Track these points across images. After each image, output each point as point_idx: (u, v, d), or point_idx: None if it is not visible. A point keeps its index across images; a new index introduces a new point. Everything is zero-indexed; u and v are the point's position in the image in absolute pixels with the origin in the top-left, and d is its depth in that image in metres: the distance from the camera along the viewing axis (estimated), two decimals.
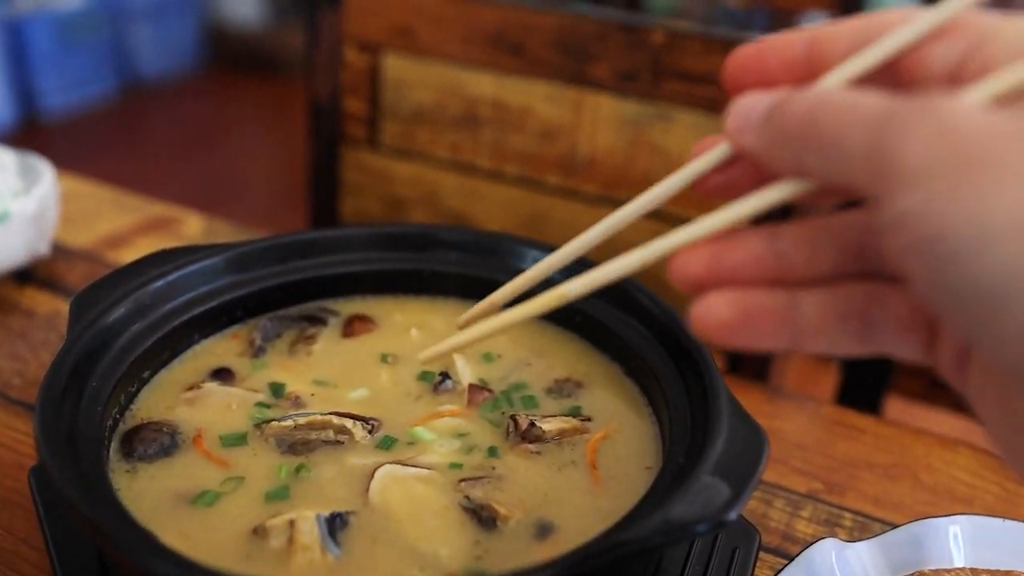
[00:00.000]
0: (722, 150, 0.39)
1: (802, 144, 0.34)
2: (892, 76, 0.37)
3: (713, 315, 0.37)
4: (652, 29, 1.12)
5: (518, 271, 0.75)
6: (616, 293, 0.71)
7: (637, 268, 0.41)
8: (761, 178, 0.37)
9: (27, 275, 0.99)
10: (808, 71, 0.38)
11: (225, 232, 1.10)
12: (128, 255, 1.04)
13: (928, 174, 0.29)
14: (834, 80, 0.37)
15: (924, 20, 0.36)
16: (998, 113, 0.30)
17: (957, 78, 0.35)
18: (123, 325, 0.66)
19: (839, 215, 0.38)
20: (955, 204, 0.29)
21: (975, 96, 0.32)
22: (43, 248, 0.97)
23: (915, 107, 0.31)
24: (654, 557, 0.59)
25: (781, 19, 3.04)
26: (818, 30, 0.38)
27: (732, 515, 0.47)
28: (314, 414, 0.64)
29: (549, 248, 0.75)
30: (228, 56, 4.36)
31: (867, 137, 0.31)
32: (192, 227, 1.11)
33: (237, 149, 3.72)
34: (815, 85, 0.36)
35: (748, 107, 0.36)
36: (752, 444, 0.54)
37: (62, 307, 0.94)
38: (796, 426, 0.84)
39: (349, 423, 0.63)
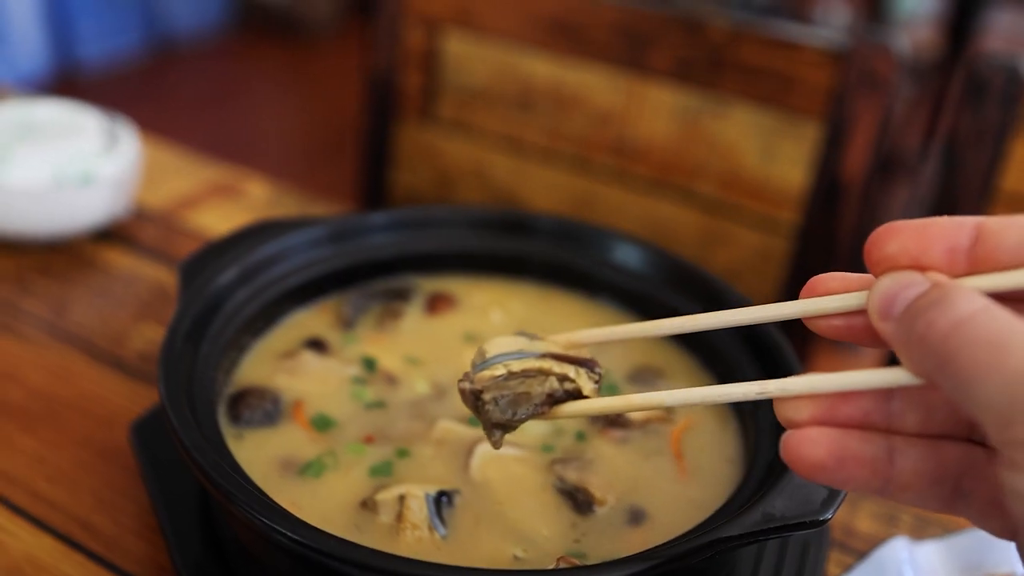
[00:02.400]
0: (848, 301, 0.39)
1: (938, 363, 0.33)
2: None
3: (807, 452, 0.37)
4: (713, 26, 1.14)
5: (597, 259, 0.78)
6: (696, 285, 0.73)
7: (739, 399, 0.42)
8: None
9: (107, 234, 1.02)
10: (970, 262, 0.36)
11: (290, 197, 1.13)
12: (199, 217, 1.06)
13: None
14: (984, 285, 0.35)
15: None
16: None
17: None
18: (228, 292, 0.69)
19: None
20: None
21: None
22: (123, 209, 1.00)
23: None
24: (751, 552, 0.62)
25: (799, 11, 3.04)
26: (988, 221, 0.36)
27: (829, 515, 0.50)
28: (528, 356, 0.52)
29: (630, 239, 0.77)
30: (256, 18, 4.36)
31: (1008, 394, 0.31)
32: (257, 191, 1.13)
33: (261, 109, 3.73)
34: (966, 295, 0.34)
35: (895, 292, 0.36)
36: None
37: (139, 266, 0.97)
38: None
39: (571, 370, 0.51)
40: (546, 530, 0.57)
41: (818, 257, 1.13)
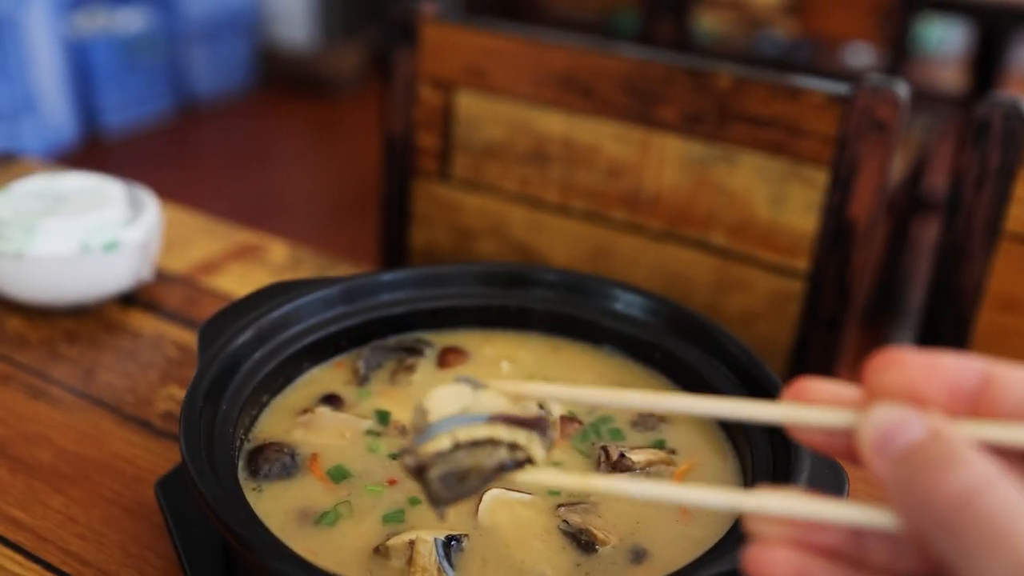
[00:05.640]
0: (834, 418, 0.38)
1: (941, 527, 0.32)
2: None
3: (768, 571, 0.36)
4: (719, 74, 1.17)
5: (600, 309, 0.81)
6: (696, 332, 0.76)
7: (714, 506, 0.41)
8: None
9: (131, 299, 1.05)
10: (971, 405, 0.36)
11: (309, 259, 1.16)
12: (221, 280, 1.10)
13: None
14: (982, 434, 0.34)
15: None
16: None
17: None
18: (246, 353, 0.72)
19: None
20: None
21: None
22: (147, 274, 1.04)
23: None
24: None
25: (825, 50, 3.09)
26: (997, 369, 0.36)
27: None
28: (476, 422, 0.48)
29: (632, 289, 0.80)
30: (279, 77, 4.46)
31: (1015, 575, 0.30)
32: (277, 254, 1.17)
33: (286, 168, 3.81)
34: (975, 460, 0.33)
35: (893, 430, 0.35)
36: (833, 478, 0.59)
37: (165, 329, 1.01)
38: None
39: (523, 436, 0.47)
40: (551, 571, 0.59)
41: (831, 299, 1.14)
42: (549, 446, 0.47)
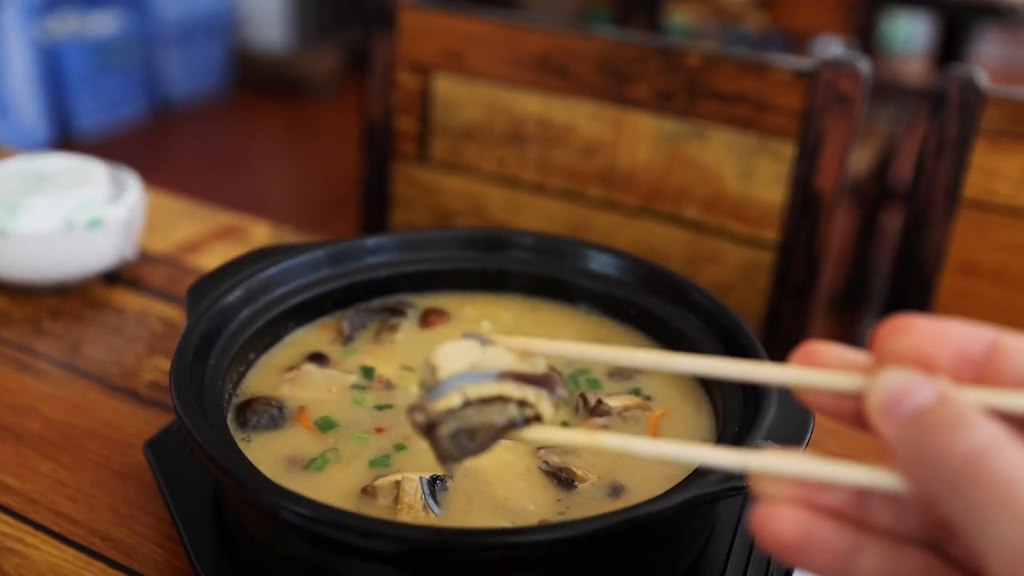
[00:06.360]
0: (842, 381, 0.38)
1: (950, 487, 0.33)
2: None
3: (776, 530, 0.37)
4: (688, 53, 1.20)
5: (576, 269, 0.83)
6: (668, 287, 0.78)
7: (716, 465, 0.40)
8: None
9: (115, 277, 1.07)
10: (977, 372, 0.36)
11: (291, 237, 1.18)
12: (204, 259, 1.12)
13: None
14: (987, 400, 0.35)
15: None
16: None
17: None
18: (233, 312, 0.74)
19: None
20: None
21: None
22: (131, 252, 1.06)
23: None
24: (712, 512, 0.66)
25: (795, 44, 3.13)
26: (1005, 338, 0.36)
27: None
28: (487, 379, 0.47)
29: (606, 249, 0.83)
30: (254, 80, 4.46)
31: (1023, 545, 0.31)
32: (259, 233, 1.19)
33: (262, 170, 3.82)
34: (984, 422, 0.33)
35: (902, 393, 0.35)
36: (799, 415, 0.62)
37: (149, 305, 1.02)
38: None
39: (531, 393, 0.47)
40: (532, 505, 0.62)
41: (800, 268, 1.17)
42: (557, 403, 0.47)
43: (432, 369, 0.47)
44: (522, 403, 0.46)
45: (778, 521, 0.37)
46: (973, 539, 0.32)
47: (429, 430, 0.47)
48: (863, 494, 0.37)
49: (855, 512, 0.37)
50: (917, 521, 0.37)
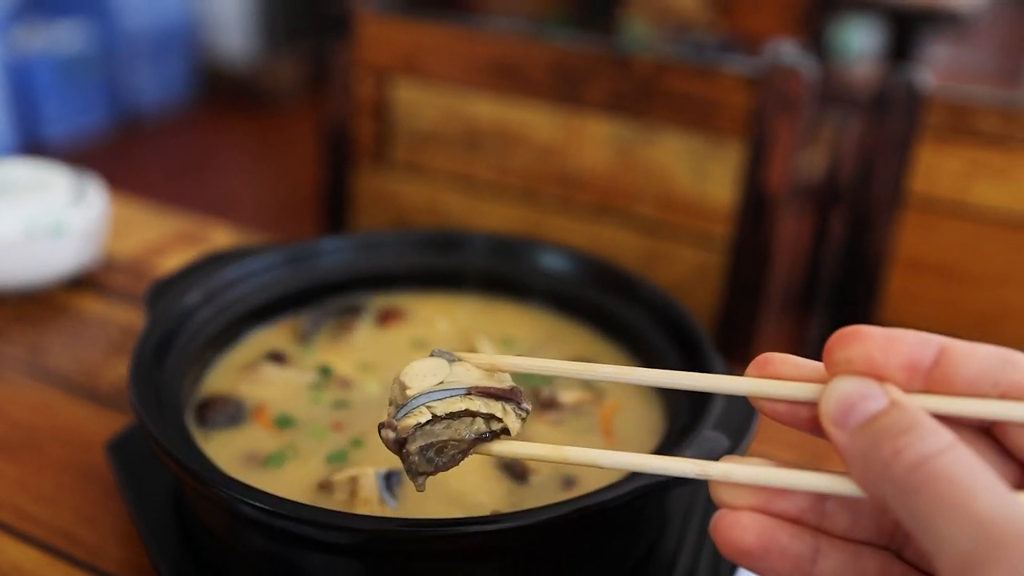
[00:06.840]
0: (797, 390, 0.39)
1: (900, 493, 0.33)
2: (1000, 435, 0.37)
3: (736, 536, 0.38)
4: (640, 57, 1.23)
5: (530, 268, 0.85)
6: (617, 283, 0.81)
7: (678, 474, 0.41)
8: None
9: (77, 282, 1.08)
10: (927, 379, 0.37)
11: (252, 241, 1.19)
12: (167, 264, 1.13)
13: None
14: (934, 406, 0.36)
15: None
16: None
17: None
18: (192, 313, 0.75)
19: None
20: None
21: None
22: (92, 258, 1.06)
23: None
24: (664, 502, 0.68)
25: (750, 49, 3.18)
26: (954, 345, 0.37)
27: None
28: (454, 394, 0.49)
29: (557, 248, 0.85)
30: (220, 90, 4.46)
31: (972, 537, 0.31)
32: (221, 237, 1.20)
33: (228, 180, 3.82)
34: (935, 428, 0.34)
35: (852, 401, 0.36)
36: (746, 406, 0.64)
37: (110, 310, 1.03)
38: None
39: (499, 407, 0.49)
40: (487, 498, 0.63)
41: (751, 268, 1.20)
42: (525, 416, 0.49)
43: (402, 387, 0.49)
44: (489, 417, 0.48)
45: (738, 528, 0.38)
46: (924, 542, 0.33)
47: (399, 446, 0.48)
48: (821, 499, 0.39)
49: (813, 518, 0.39)
50: (874, 525, 0.39)
